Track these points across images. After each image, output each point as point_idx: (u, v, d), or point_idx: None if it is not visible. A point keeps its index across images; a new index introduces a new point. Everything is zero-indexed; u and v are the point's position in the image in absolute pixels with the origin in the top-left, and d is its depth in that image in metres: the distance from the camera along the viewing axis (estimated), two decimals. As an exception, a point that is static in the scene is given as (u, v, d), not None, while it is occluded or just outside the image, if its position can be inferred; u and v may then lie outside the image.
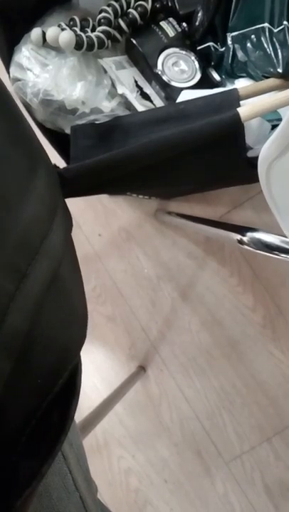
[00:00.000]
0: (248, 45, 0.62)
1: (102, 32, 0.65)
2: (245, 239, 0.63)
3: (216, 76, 0.68)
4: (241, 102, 0.53)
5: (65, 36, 0.62)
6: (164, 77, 0.66)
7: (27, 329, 0.25)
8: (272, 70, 0.59)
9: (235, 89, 0.55)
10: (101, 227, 1.08)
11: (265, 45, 0.60)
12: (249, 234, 0.63)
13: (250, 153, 0.56)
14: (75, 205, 1.08)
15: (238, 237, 0.65)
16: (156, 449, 1.06)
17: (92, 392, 1.10)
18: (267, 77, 0.60)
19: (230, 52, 0.64)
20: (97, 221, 1.08)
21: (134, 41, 0.67)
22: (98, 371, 1.10)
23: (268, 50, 0.60)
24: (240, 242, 0.65)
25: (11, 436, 0.27)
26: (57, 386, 0.30)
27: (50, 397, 0.30)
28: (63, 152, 0.68)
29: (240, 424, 1.02)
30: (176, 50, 0.67)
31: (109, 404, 0.93)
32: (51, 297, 0.28)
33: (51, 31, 0.63)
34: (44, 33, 0.64)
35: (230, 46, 0.64)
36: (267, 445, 1.00)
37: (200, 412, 1.03)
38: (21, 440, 0.28)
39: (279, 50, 0.59)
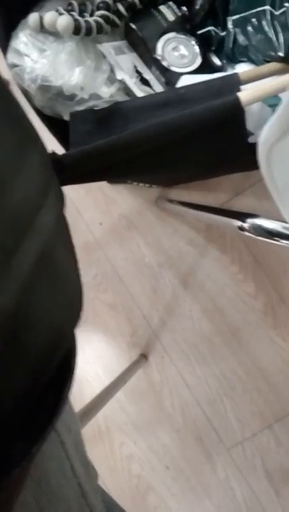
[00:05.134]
0: (249, 28, 0.61)
1: (101, 16, 0.64)
2: (245, 225, 0.63)
3: (217, 61, 0.68)
4: (242, 87, 0.53)
5: (63, 21, 0.61)
6: (164, 62, 0.65)
7: (15, 309, 0.25)
8: (273, 53, 0.58)
9: (235, 74, 0.54)
10: (102, 215, 1.07)
11: (267, 29, 0.59)
12: (250, 220, 0.63)
13: (251, 139, 0.56)
14: (75, 193, 1.09)
15: (239, 223, 0.65)
16: (157, 436, 1.07)
17: (93, 380, 1.10)
18: (268, 62, 0.59)
19: (231, 37, 0.64)
20: (97, 209, 1.07)
21: (133, 26, 0.66)
22: (100, 359, 1.10)
23: (269, 33, 0.59)
24: (241, 228, 0.64)
25: (4, 420, 0.27)
26: (51, 369, 0.30)
27: (45, 381, 0.30)
28: (62, 138, 0.67)
29: (241, 410, 1.02)
30: (176, 34, 0.66)
31: (110, 391, 0.93)
32: (43, 277, 0.28)
33: (49, 16, 0.62)
34: (42, 18, 0.63)
35: (231, 30, 0.63)
36: (268, 431, 1.01)
37: (201, 399, 1.04)
38: (15, 424, 0.28)
39: (280, 34, 0.58)
